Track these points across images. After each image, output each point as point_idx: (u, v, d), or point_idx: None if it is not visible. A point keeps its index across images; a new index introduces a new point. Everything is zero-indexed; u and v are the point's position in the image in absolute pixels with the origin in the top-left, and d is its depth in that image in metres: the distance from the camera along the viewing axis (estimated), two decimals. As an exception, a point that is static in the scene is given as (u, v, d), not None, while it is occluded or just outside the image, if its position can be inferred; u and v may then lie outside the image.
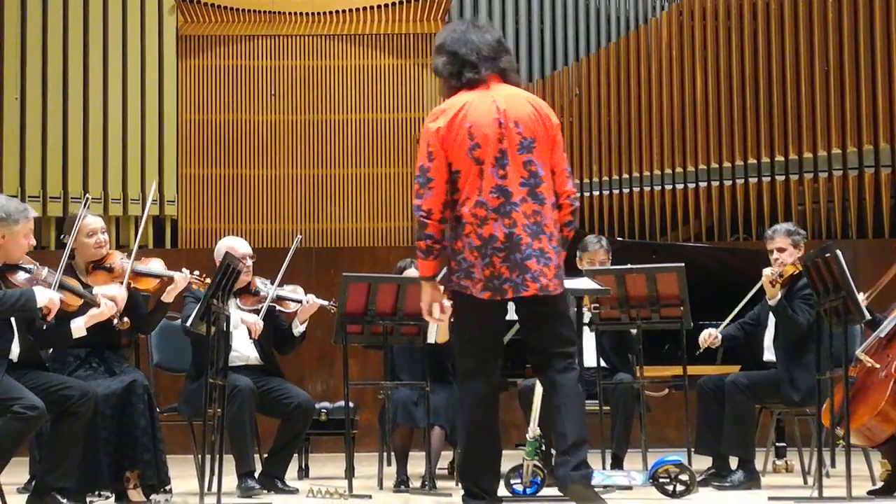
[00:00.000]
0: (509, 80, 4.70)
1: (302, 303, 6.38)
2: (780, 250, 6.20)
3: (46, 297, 4.93)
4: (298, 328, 6.41)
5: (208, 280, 5.66)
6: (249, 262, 6.29)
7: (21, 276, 5.09)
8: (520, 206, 4.54)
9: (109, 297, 5.27)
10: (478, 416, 4.60)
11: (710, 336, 6.33)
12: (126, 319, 5.38)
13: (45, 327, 5.04)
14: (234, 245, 6.30)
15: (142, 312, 5.70)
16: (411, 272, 6.38)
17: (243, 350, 6.25)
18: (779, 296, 6.09)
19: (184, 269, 5.74)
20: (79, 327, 5.23)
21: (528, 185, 4.56)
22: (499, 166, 4.55)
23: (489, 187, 4.54)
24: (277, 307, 6.39)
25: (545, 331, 4.66)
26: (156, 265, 5.73)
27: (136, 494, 5.29)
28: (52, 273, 5.13)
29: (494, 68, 4.66)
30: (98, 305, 5.22)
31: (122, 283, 5.45)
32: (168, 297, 5.68)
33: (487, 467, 4.61)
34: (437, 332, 6.15)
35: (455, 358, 4.77)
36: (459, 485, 4.92)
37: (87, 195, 5.66)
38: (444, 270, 4.68)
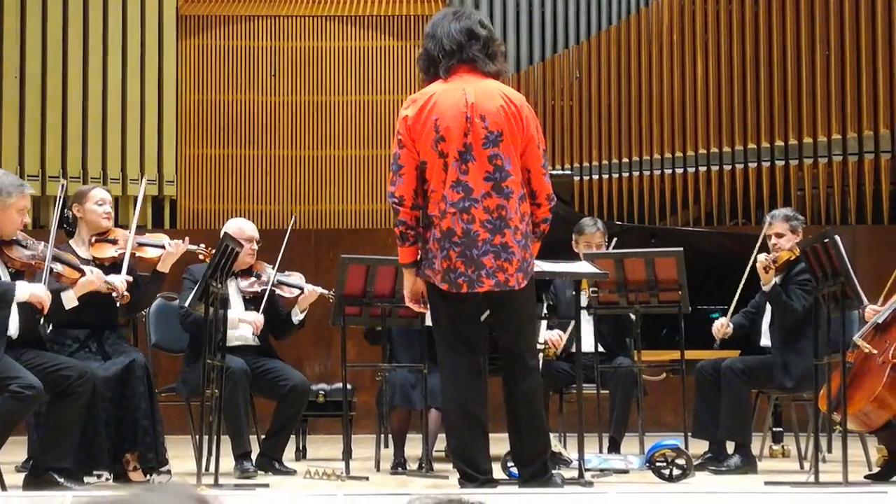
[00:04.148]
0: (478, 68, 4.63)
1: (303, 290, 6.37)
2: (779, 236, 6.20)
3: (27, 292, 4.90)
4: (298, 316, 6.40)
5: (213, 250, 5.68)
6: (255, 246, 6.28)
7: (17, 251, 5.09)
8: (481, 202, 4.55)
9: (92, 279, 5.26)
10: (460, 398, 4.65)
11: (722, 326, 6.31)
12: (126, 294, 5.37)
13: (42, 322, 4.99)
14: (242, 227, 6.28)
15: (141, 290, 5.70)
16: None
17: (240, 330, 6.25)
18: (773, 282, 6.08)
19: (178, 240, 5.71)
20: (70, 297, 5.20)
21: (492, 179, 4.56)
22: (462, 161, 4.55)
23: (451, 182, 4.56)
24: (277, 291, 6.38)
25: (506, 331, 4.72)
26: (160, 237, 5.75)
27: (136, 475, 5.31)
28: (47, 247, 5.13)
29: (461, 59, 4.62)
30: (84, 274, 5.21)
31: (125, 253, 5.45)
32: (163, 265, 5.63)
33: (479, 448, 4.65)
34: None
35: (437, 346, 4.80)
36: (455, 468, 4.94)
37: (63, 182, 5.57)
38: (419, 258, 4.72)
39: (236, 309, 6.25)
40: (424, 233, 4.63)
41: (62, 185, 5.55)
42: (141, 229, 5.76)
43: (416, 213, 4.61)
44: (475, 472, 4.63)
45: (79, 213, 5.62)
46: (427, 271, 4.65)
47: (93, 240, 5.60)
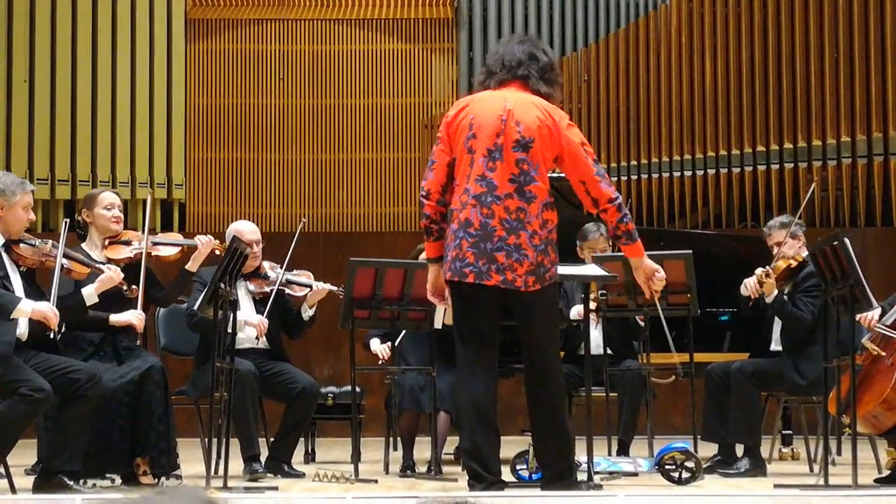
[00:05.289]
0: (530, 86, 4.77)
1: (312, 287, 6.36)
2: (779, 244, 6.16)
3: (29, 309, 4.89)
4: (308, 312, 6.39)
5: (225, 244, 5.72)
6: (257, 249, 6.27)
7: (26, 249, 5.12)
8: (502, 201, 4.62)
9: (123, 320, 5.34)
10: (471, 395, 4.67)
11: (754, 284, 6.08)
12: (134, 287, 5.40)
13: (51, 336, 4.99)
14: (242, 230, 6.28)
15: (158, 288, 5.72)
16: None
17: (250, 332, 6.25)
18: (775, 292, 6.05)
19: (207, 235, 5.76)
20: (90, 294, 5.28)
21: (516, 181, 4.63)
22: (490, 158, 4.64)
23: (476, 175, 4.64)
24: (287, 291, 6.38)
25: (525, 332, 4.76)
26: (174, 237, 5.77)
27: (146, 479, 5.32)
28: (56, 246, 5.15)
29: (514, 76, 4.77)
30: (102, 271, 5.25)
31: (140, 253, 5.49)
32: (193, 265, 5.70)
33: (489, 447, 4.67)
34: (444, 316, 6.13)
35: (456, 343, 4.83)
36: (464, 470, 4.95)
37: (60, 242, 5.31)
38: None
39: (244, 310, 6.25)
40: (445, 228, 4.70)
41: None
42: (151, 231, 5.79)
43: (441, 208, 4.71)
44: (485, 472, 4.64)
45: (88, 219, 5.63)
46: (445, 266, 4.71)
47: (106, 242, 5.62)
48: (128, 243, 5.62)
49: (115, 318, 5.43)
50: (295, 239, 6.47)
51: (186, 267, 5.70)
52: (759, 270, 6.06)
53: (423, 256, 6.37)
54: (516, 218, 4.61)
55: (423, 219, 4.74)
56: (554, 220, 4.69)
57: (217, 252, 5.83)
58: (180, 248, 5.70)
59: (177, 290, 5.82)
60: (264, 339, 6.27)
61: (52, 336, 4.97)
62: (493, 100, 4.73)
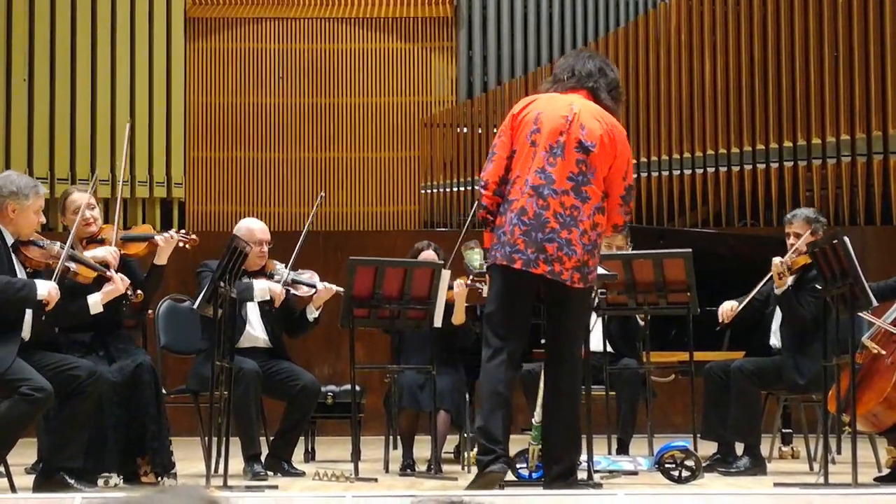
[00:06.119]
0: (598, 98, 4.90)
1: (316, 288, 6.34)
2: (797, 235, 6.14)
3: (46, 290, 4.96)
4: (313, 313, 6.37)
5: (193, 236, 5.72)
6: (265, 248, 6.24)
7: (35, 251, 5.13)
8: (559, 196, 4.71)
9: (100, 260, 5.30)
10: (492, 381, 4.77)
11: (731, 310, 6.23)
12: (140, 292, 5.39)
13: (42, 317, 5.03)
14: (253, 228, 6.24)
15: (138, 280, 5.70)
16: (427, 255, 6.38)
17: (252, 332, 6.25)
18: (786, 286, 6.06)
19: (170, 231, 5.74)
20: (95, 303, 5.27)
21: (574, 180, 4.74)
22: (551, 154, 4.75)
23: (536, 168, 4.75)
24: (291, 290, 6.35)
25: (558, 330, 4.82)
26: (143, 230, 5.76)
27: (148, 479, 5.31)
28: (63, 247, 5.16)
29: (582, 85, 4.91)
30: (111, 280, 5.26)
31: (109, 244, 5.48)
32: (159, 258, 5.66)
33: (501, 424, 4.75)
34: (443, 314, 6.11)
35: (483, 327, 4.95)
36: (475, 449, 5.01)
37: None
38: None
39: (252, 308, 6.22)
40: (499, 219, 4.78)
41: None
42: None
43: (498, 198, 4.81)
44: (493, 446, 4.72)
45: (64, 223, 5.63)
46: (495, 252, 4.78)
47: (84, 243, 5.62)
48: (101, 242, 5.60)
49: (101, 295, 5.34)
50: (312, 214, 6.52)
51: (154, 262, 5.69)
52: (777, 260, 6.05)
53: (424, 255, 6.39)
54: (570, 215, 4.71)
55: (480, 209, 4.85)
56: (603, 224, 4.80)
57: (183, 245, 5.79)
58: (146, 244, 5.68)
59: (151, 283, 5.75)
60: (267, 338, 6.27)
61: (42, 317, 5.00)
62: (560, 100, 4.85)
